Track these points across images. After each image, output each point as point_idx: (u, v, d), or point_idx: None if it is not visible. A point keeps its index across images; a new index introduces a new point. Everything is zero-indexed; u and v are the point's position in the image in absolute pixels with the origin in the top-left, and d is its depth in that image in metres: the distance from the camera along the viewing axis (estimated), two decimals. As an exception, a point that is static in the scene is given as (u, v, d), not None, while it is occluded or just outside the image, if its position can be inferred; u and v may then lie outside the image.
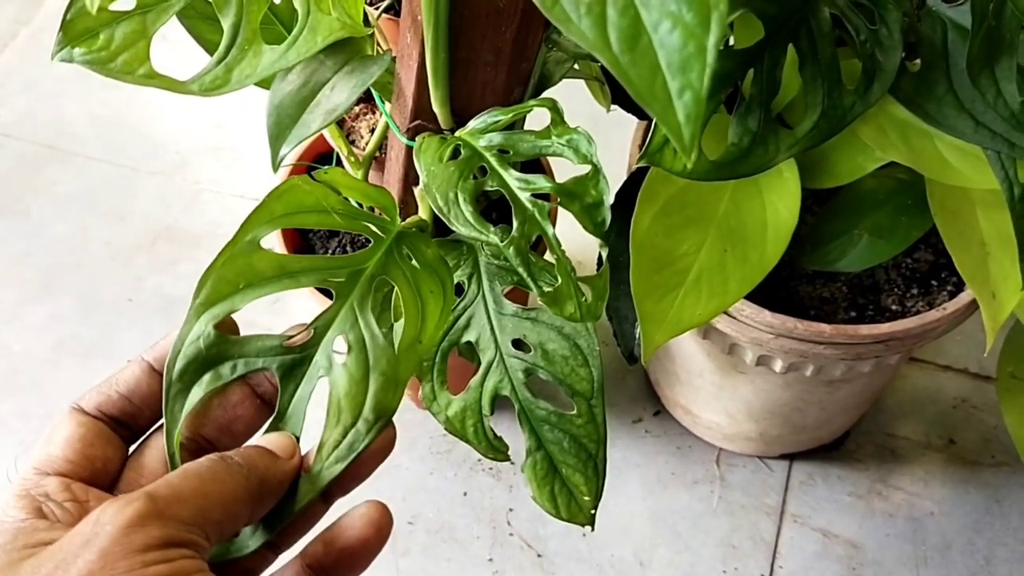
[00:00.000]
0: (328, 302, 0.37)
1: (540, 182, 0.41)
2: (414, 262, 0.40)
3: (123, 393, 0.33)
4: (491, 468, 0.74)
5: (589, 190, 0.41)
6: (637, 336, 0.59)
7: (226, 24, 0.40)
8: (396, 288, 0.39)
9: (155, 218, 0.91)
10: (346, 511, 0.34)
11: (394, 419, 0.86)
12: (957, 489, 0.73)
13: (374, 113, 0.64)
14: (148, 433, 0.34)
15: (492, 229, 0.40)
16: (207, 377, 0.34)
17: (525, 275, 0.41)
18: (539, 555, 0.70)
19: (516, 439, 0.48)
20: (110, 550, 0.26)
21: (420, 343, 0.38)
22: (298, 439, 0.35)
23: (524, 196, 0.42)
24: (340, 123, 0.64)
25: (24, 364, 0.82)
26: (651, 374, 0.76)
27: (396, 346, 0.37)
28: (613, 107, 0.59)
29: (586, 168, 0.42)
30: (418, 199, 0.56)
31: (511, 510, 0.72)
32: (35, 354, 0.82)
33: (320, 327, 0.36)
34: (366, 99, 0.65)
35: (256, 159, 0.94)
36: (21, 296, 0.86)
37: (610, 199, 0.41)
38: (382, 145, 0.60)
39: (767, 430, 0.69)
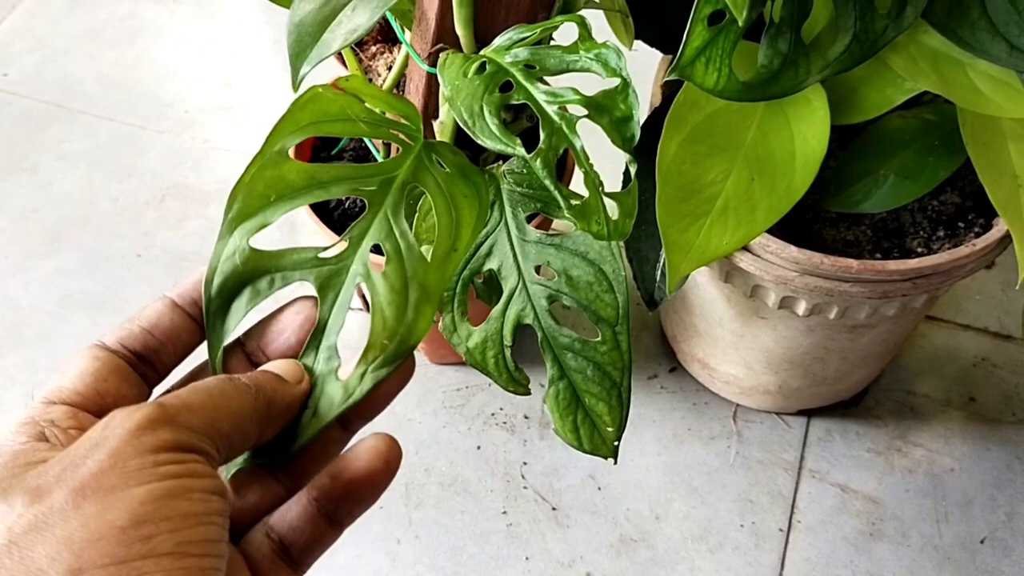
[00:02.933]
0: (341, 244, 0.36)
1: (568, 95, 0.40)
2: (445, 168, 0.39)
3: (145, 327, 0.32)
4: (505, 422, 0.73)
5: (619, 103, 0.40)
6: (658, 279, 0.58)
7: None
8: (428, 196, 0.38)
9: (164, 175, 0.90)
10: (353, 444, 0.33)
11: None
12: (977, 446, 0.72)
13: (391, 52, 0.63)
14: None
15: (518, 141, 0.39)
16: (246, 293, 0.33)
17: (552, 187, 0.40)
18: (553, 508, 0.69)
19: (535, 380, 0.47)
20: (121, 450, 0.25)
21: (455, 251, 0.37)
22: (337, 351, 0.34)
23: (551, 109, 0.41)
24: (359, 60, 0.63)
25: (31, 318, 0.81)
26: (667, 329, 0.75)
27: (430, 256, 0.36)
28: (636, 45, 0.58)
29: (615, 82, 0.41)
30: (437, 132, 0.55)
31: (525, 464, 0.71)
32: (42, 308, 0.81)
33: (355, 236, 0.36)
34: (384, 38, 0.64)
35: (266, 118, 0.93)
36: (28, 251, 0.85)
37: (640, 115, 0.40)
38: (400, 83, 0.59)
39: (787, 382, 0.67)
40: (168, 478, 0.25)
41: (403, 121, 0.40)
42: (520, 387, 0.48)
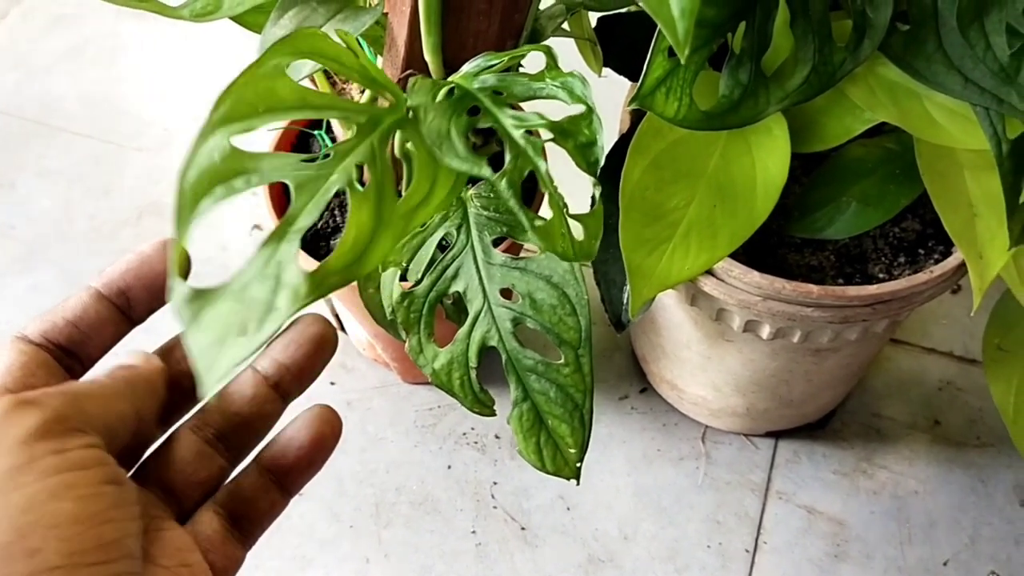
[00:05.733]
0: (314, 263, 0.36)
1: (533, 119, 0.41)
2: None
3: (69, 319, 0.31)
4: (476, 442, 0.74)
5: (583, 129, 0.41)
6: (625, 302, 0.59)
7: None
8: (412, 147, 0.39)
9: (141, 193, 0.90)
10: (293, 418, 0.34)
11: (379, 392, 0.86)
12: (942, 468, 0.73)
13: (365, 76, 0.63)
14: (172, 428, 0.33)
15: (484, 162, 0.40)
16: (219, 189, 0.32)
17: (517, 208, 0.41)
18: (523, 528, 0.70)
19: (503, 401, 0.48)
20: None
21: (426, 205, 0.38)
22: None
23: (517, 133, 0.41)
24: (331, 84, 0.63)
25: (5, 335, 0.81)
26: (637, 350, 0.76)
27: (402, 200, 0.37)
28: (605, 71, 0.59)
29: (580, 108, 0.42)
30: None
31: (495, 483, 0.72)
32: (16, 324, 0.81)
33: (340, 152, 0.36)
34: (357, 62, 0.65)
35: (243, 138, 0.94)
36: (3, 268, 0.85)
37: (604, 140, 0.41)
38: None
39: (754, 404, 0.68)
40: (50, 474, 0.24)
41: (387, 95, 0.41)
42: (485, 408, 0.49)
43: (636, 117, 0.59)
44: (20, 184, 0.92)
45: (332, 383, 0.76)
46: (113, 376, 0.30)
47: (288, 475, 0.33)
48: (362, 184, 0.35)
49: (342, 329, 0.79)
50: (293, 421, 0.33)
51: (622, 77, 0.58)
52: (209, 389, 0.30)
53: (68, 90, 1.00)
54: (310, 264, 0.62)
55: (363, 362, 0.77)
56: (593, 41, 0.56)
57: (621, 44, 0.56)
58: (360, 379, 0.77)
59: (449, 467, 0.72)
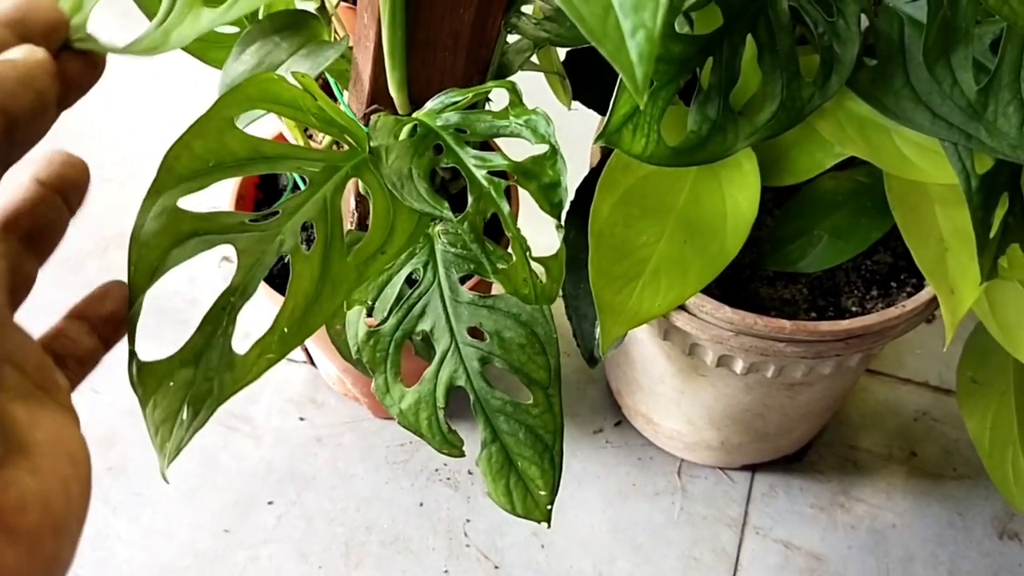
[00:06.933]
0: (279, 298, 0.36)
1: (497, 159, 0.41)
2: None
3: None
4: (448, 478, 0.72)
5: (547, 169, 0.41)
6: (598, 337, 0.58)
7: None
8: (369, 193, 0.38)
9: (108, 225, 0.89)
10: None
11: (350, 427, 0.85)
12: (919, 502, 0.73)
13: (332, 109, 0.63)
14: None
15: (446, 204, 0.39)
16: (173, 253, 0.32)
17: (478, 251, 0.40)
18: (496, 567, 0.68)
19: (472, 437, 0.47)
20: None
21: (383, 254, 0.37)
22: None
23: (480, 173, 0.41)
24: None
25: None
26: (612, 383, 0.75)
27: (355, 251, 0.36)
28: (574, 105, 0.58)
29: (544, 148, 0.41)
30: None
31: (468, 521, 0.70)
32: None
33: (289, 208, 0.35)
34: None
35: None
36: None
37: (567, 180, 0.40)
38: (340, 140, 0.59)
39: (728, 438, 0.68)
40: None
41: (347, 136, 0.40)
42: (454, 449, 0.48)
43: (606, 152, 0.59)
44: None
45: (301, 418, 0.75)
46: None
47: (106, 327, 0.32)
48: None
49: (312, 363, 0.77)
50: (99, 288, 0.33)
51: (592, 110, 0.57)
52: (164, 466, 0.32)
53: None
54: (276, 300, 0.61)
55: (333, 397, 0.76)
56: (562, 75, 0.55)
57: (590, 78, 0.55)
58: (330, 414, 0.75)
59: (421, 504, 0.71)
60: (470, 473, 0.73)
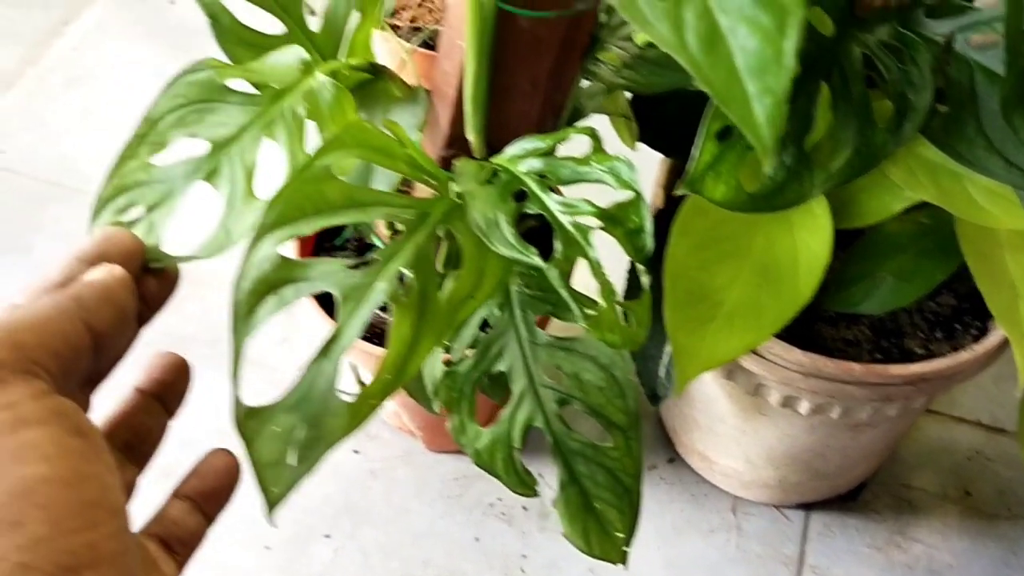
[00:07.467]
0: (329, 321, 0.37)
1: (583, 207, 0.41)
2: None
3: (58, 281, 0.30)
4: (503, 513, 0.72)
5: (631, 216, 0.41)
6: (660, 375, 0.58)
7: (223, 195, 0.41)
8: (459, 239, 0.39)
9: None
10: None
11: (404, 461, 0.85)
12: (975, 542, 0.72)
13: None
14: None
15: (534, 251, 0.40)
16: (271, 299, 0.33)
17: (568, 298, 0.40)
18: (552, 604, 0.68)
19: (540, 472, 0.47)
20: None
21: (472, 299, 0.38)
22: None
23: (566, 220, 0.41)
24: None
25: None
26: (667, 421, 0.75)
27: (448, 296, 0.37)
28: (631, 145, 0.59)
29: (628, 194, 0.42)
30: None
31: (524, 556, 0.70)
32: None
33: (386, 256, 0.36)
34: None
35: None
36: (23, 333, 0.85)
37: (651, 226, 0.41)
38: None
39: (786, 476, 0.68)
40: (4, 435, 0.22)
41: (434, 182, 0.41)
42: (528, 489, 0.48)
43: (669, 192, 0.60)
44: (37, 247, 0.92)
45: (356, 451, 0.75)
46: (52, 295, 0.28)
47: (207, 502, 0.34)
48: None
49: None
50: (204, 457, 0.35)
51: (649, 150, 0.58)
52: (272, 506, 0.32)
53: (85, 151, 1.00)
54: (322, 317, 0.62)
55: (387, 430, 0.77)
56: (628, 117, 0.56)
57: (656, 120, 0.56)
58: (384, 447, 0.76)
59: (477, 539, 0.71)
60: (525, 508, 0.73)
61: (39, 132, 1.03)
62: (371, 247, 0.69)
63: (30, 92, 1.07)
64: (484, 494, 0.73)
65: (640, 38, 0.49)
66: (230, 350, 0.33)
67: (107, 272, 0.30)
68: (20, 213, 0.95)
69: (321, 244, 0.69)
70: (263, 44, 0.46)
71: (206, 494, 0.33)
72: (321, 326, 0.63)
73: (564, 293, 0.40)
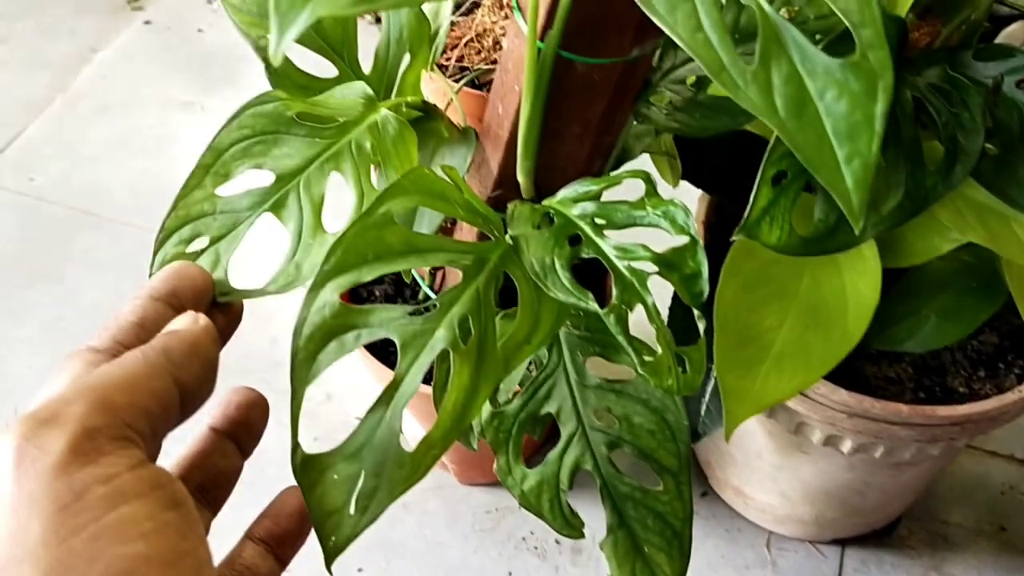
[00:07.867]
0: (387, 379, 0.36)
1: (639, 251, 0.41)
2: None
3: (134, 321, 0.30)
4: (536, 547, 0.72)
5: (687, 260, 0.41)
6: (702, 413, 0.58)
7: (290, 228, 0.41)
8: (516, 283, 0.39)
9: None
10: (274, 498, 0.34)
11: (435, 493, 0.84)
12: (1012, 579, 0.72)
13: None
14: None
15: (590, 296, 0.40)
16: (332, 346, 0.33)
17: (625, 343, 0.40)
18: (587, 640, 0.68)
19: (583, 511, 0.47)
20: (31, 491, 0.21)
21: (529, 344, 0.38)
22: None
23: (622, 265, 0.41)
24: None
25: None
26: (700, 455, 0.75)
27: (504, 341, 0.37)
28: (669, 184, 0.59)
29: (683, 239, 0.42)
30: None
31: (557, 592, 0.70)
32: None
33: (445, 303, 0.36)
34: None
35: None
36: (52, 362, 0.85)
37: (707, 271, 0.41)
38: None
39: (823, 513, 0.67)
40: (105, 510, 0.22)
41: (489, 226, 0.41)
42: (575, 531, 0.48)
43: (709, 231, 0.60)
44: (69, 275, 0.92)
45: (386, 483, 0.75)
46: (142, 349, 0.28)
47: (281, 544, 0.33)
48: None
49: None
50: (278, 497, 0.34)
51: (691, 187, 0.58)
52: (333, 556, 0.32)
53: (116, 179, 1.01)
54: (372, 365, 0.61)
55: (418, 462, 0.76)
56: (672, 155, 0.56)
57: (703, 159, 0.56)
58: (415, 479, 0.75)
59: (510, 573, 0.71)
60: (557, 542, 0.72)
61: (69, 159, 1.03)
62: (405, 284, 0.70)
63: (60, 119, 1.07)
64: (516, 527, 0.73)
65: (692, 80, 0.49)
66: (291, 397, 0.33)
67: (192, 321, 0.30)
68: (51, 240, 0.95)
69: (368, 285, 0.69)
70: (316, 87, 0.46)
71: (280, 537, 0.33)
72: (378, 374, 0.63)
73: (622, 339, 0.40)
